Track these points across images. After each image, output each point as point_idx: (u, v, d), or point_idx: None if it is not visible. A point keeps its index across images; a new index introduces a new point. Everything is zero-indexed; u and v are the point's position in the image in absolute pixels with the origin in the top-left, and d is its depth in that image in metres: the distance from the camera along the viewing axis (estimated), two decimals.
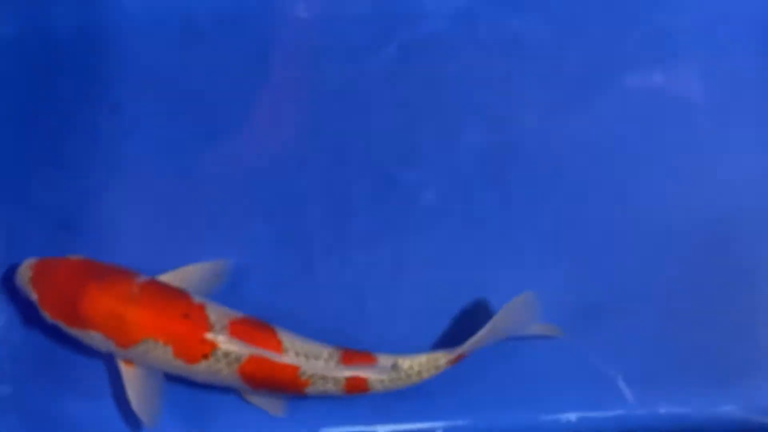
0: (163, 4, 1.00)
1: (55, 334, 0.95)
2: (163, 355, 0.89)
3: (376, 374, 0.90)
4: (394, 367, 0.90)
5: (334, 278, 0.98)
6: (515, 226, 0.97)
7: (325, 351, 0.90)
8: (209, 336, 0.88)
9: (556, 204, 0.97)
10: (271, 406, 0.94)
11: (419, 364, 0.90)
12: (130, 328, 0.88)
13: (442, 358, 0.90)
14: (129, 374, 0.91)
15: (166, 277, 0.93)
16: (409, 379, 0.91)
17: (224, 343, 0.88)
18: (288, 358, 0.89)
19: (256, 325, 0.91)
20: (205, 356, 0.88)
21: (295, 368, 0.89)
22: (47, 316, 0.92)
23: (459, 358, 0.90)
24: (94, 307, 0.89)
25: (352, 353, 0.91)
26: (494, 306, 0.96)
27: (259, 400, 0.94)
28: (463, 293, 0.97)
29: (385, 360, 0.90)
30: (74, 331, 0.91)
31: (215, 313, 0.90)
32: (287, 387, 0.90)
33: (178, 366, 0.89)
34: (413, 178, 0.98)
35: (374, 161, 0.98)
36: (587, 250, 0.97)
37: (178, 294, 0.91)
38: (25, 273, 0.92)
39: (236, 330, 0.89)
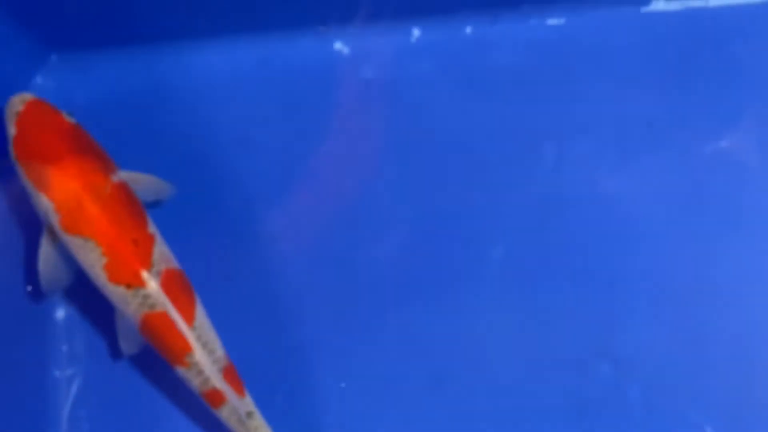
0: (228, 65, 1.02)
1: (133, 396, 0.97)
2: (94, 260, 0.88)
3: (233, 405, 0.91)
4: (249, 414, 0.92)
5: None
6: (581, 283, 0.98)
7: (219, 352, 0.91)
8: (144, 274, 0.88)
9: (628, 260, 0.97)
10: (129, 342, 0.94)
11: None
12: (82, 220, 0.87)
13: None
14: (47, 247, 0.91)
15: (126, 174, 0.92)
16: (240, 425, 0.92)
17: (152, 289, 0.88)
18: (190, 335, 0.89)
19: (185, 287, 0.91)
20: (128, 286, 0.88)
21: (188, 347, 0.90)
22: (12, 154, 0.90)
23: None
24: (62, 180, 0.87)
25: (234, 374, 0.92)
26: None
27: (126, 329, 0.93)
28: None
29: (248, 403, 0.92)
30: (27, 183, 0.89)
31: (159, 253, 0.90)
32: (168, 354, 0.91)
33: (100, 277, 0.89)
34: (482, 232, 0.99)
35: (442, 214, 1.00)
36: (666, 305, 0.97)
37: (139, 213, 0.90)
38: (15, 105, 0.91)
39: (167, 281, 0.89)
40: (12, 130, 0.90)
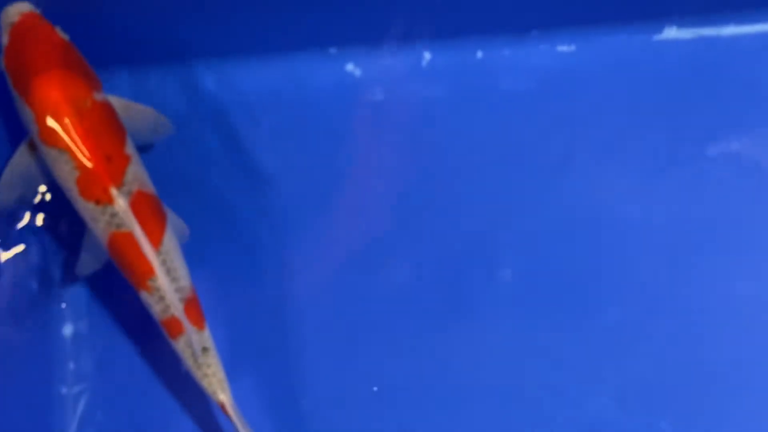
0: (236, 86, 1.03)
1: (140, 414, 0.98)
2: (67, 173, 0.88)
3: (189, 337, 0.91)
4: (204, 350, 0.92)
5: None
6: (589, 307, 0.98)
7: (183, 281, 0.91)
8: (113, 191, 0.88)
9: (635, 284, 0.98)
10: (85, 261, 0.95)
11: (213, 372, 0.91)
12: (59, 132, 0.87)
13: (221, 395, 0.91)
14: (22, 156, 0.92)
15: (116, 100, 0.92)
16: (198, 368, 0.91)
17: (120, 206, 0.89)
18: (154, 259, 0.90)
19: (156, 212, 0.91)
20: (98, 201, 0.89)
21: (152, 271, 0.90)
22: (2, 64, 0.91)
23: (224, 410, 0.92)
24: (44, 92, 0.88)
25: (196, 307, 0.92)
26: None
27: (89, 251, 0.94)
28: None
29: (206, 338, 0.92)
30: (14, 93, 0.90)
31: (133, 172, 0.90)
32: (132, 276, 0.91)
33: (71, 191, 0.89)
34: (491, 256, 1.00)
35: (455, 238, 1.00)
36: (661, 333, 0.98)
37: (117, 132, 0.90)
38: (12, 15, 0.92)
39: (138, 202, 0.89)
40: (4, 39, 0.91)
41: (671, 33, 0.99)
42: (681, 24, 0.99)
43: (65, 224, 1.00)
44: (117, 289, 1.00)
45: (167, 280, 0.90)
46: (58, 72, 0.88)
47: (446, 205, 1.00)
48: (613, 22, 0.99)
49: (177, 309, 0.91)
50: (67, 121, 0.88)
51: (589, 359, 0.97)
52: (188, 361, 0.92)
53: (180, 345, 0.92)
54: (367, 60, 1.01)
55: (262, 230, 1.00)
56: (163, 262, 0.90)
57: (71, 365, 1.00)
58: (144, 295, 0.91)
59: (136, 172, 0.90)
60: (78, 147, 0.88)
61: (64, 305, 1.00)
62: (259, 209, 1.01)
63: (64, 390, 1.00)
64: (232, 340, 0.97)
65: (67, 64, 0.89)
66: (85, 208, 0.89)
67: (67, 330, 1.00)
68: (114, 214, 0.89)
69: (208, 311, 0.93)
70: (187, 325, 0.91)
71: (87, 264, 0.95)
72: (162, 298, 0.90)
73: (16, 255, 0.99)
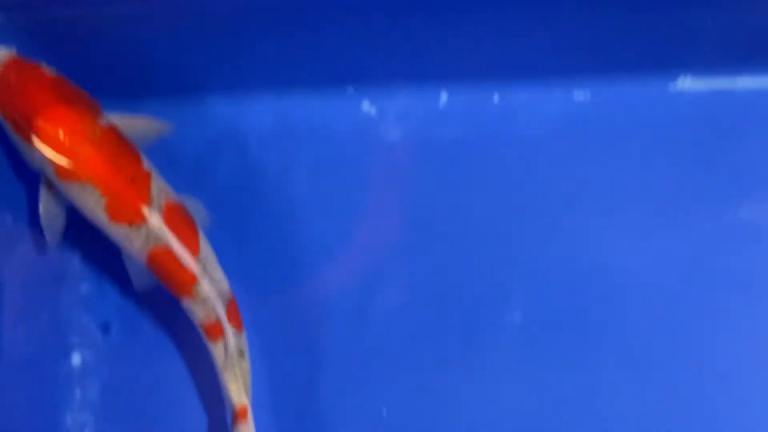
0: (253, 123, 1.03)
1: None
2: (94, 203, 0.89)
3: (229, 340, 0.92)
4: (240, 353, 0.93)
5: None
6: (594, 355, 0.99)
7: (223, 284, 0.93)
8: (145, 210, 0.90)
9: (643, 328, 0.98)
10: (140, 279, 0.94)
11: (243, 378, 0.93)
12: (77, 166, 0.88)
13: (245, 399, 0.93)
14: (46, 195, 0.92)
15: (117, 118, 0.92)
16: (230, 369, 0.93)
17: (154, 224, 0.90)
18: (195, 266, 0.91)
19: (186, 219, 0.92)
20: (131, 223, 0.90)
21: (194, 278, 0.91)
22: None
23: (239, 414, 0.93)
24: (50, 131, 0.88)
25: (236, 310, 0.94)
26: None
27: (135, 267, 0.93)
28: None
29: (243, 341, 0.94)
30: (17, 139, 0.90)
31: (157, 187, 0.91)
32: (175, 286, 0.92)
33: (101, 218, 0.90)
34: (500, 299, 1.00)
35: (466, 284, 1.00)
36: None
37: (132, 152, 0.91)
38: None
39: (169, 215, 0.91)
40: None
41: (686, 83, 1.00)
42: (696, 74, 1.00)
43: (75, 251, 1.00)
44: (124, 319, 1.00)
45: (210, 284, 0.92)
46: (58, 109, 0.89)
47: (457, 245, 1.00)
48: (628, 71, 1.00)
49: (221, 313, 0.92)
50: (81, 153, 0.88)
51: (598, 401, 0.97)
52: (224, 364, 0.93)
53: (218, 348, 0.93)
54: (383, 99, 1.02)
55: (276, 264, 1.01)
56: (204, 268, 0.92)
57: (77, 393, 0.99)
58: (186, 302, 0.92)
59: (160, 186, 0.92)
60: (100, 176, 0.88)
61: (71, 333, 1.00)
62: (274, 244, 1.01)
63: (69, 419, 0.99)
64: None
65: (63, 98, 0.90)
66: (118, 232, 0.90)
67: (75, 359, 1.00)
68: (150, 232, 0.90)
69: None
70: (229, 329, 0.92)
71: (141, 282, 0.95)
72: (205, 302, 0.92)
73: (24, 280, 0.99)
